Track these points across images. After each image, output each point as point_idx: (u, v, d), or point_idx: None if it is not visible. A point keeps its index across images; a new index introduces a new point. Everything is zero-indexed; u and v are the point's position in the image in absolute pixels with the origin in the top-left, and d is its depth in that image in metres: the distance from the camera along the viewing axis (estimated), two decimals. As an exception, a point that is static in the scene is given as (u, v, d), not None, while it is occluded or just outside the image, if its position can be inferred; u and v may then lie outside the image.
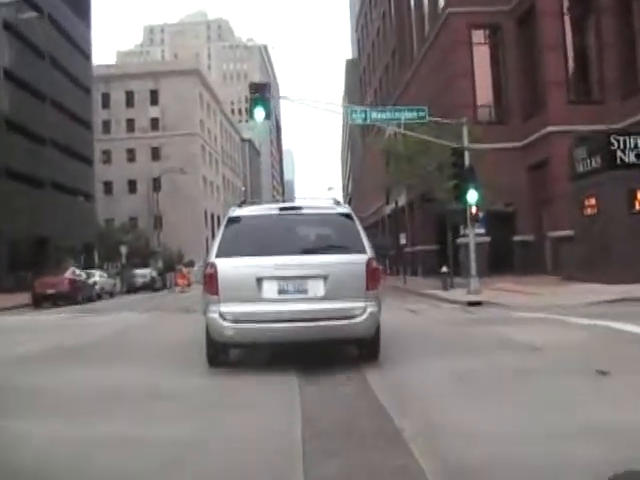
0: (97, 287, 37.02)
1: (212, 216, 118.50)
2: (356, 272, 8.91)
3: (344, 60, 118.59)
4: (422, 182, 30.93)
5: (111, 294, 40.65)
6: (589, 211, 27.02)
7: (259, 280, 8.78)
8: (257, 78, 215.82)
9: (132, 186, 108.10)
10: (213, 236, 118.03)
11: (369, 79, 76.98)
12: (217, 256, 9.07)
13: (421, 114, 25.99)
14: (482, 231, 36.82)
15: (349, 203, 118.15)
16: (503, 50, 39.25)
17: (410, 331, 13.87)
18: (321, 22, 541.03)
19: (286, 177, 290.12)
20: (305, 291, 8.85)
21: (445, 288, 28.02)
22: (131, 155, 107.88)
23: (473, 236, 25.25)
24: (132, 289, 47.45)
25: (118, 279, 51.39)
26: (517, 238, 39.29)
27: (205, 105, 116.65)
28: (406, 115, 26.01)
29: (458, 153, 25.19)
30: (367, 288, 8.89)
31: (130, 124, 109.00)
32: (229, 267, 8.93)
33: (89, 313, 24.67)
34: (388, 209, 66.18)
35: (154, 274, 51.04)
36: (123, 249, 58.40)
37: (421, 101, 43.56)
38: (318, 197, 11.96)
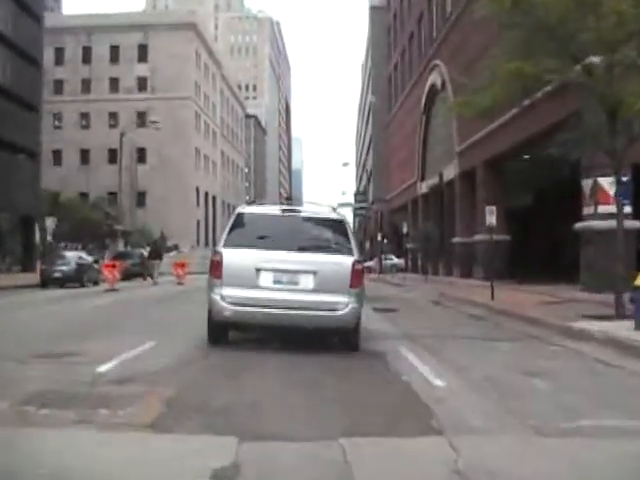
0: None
1: (206, 195, 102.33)
2: (342, 271, 10.15)
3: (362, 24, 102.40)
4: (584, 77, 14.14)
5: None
6: None
7: (258, 270, 10.08)
8: (267, 52, 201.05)
9: (112, 156, 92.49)
10: (206, 218, 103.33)
11: (404, 21, 60.47)
12: (224, 246, 10.40)
13: None
14: (628, 209, 21.08)
15: (368, 182, 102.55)
16: None
17: None
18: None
19: (294, 166, 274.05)
20: (297, 283, 10.12)
21: (621, 315, 11.98)
22: (113, 120, 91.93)
23: None
24: (47, 282, 31.22)
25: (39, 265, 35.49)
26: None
27: (202, 66, 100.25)
28: None
29: None
30: (351, 286, 10.10)
31: (114, 83, 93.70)
32: (233, 256, 10.22)
33: None
34: (424, 186, 49.78)
35: (85, 260, 34.32)
36: (49, 222, 41.65)
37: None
38: (320, 204, 13.93)
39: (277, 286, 10.02)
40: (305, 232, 10.79)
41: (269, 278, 10.03)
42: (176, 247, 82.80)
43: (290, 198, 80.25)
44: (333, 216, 11.30)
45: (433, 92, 45.71)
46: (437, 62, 43.38)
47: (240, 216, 11.00)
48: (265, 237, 10.47)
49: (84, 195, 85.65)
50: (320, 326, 10.22)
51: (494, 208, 21.01)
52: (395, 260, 65.85)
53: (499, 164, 33.97)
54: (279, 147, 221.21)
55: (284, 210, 11.34)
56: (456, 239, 39.53)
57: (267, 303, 9.85)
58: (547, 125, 23.87)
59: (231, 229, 10.71)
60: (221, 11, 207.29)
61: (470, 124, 36.52)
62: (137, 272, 42.59)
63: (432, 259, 45.00)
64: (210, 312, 10.38)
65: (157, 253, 41.31)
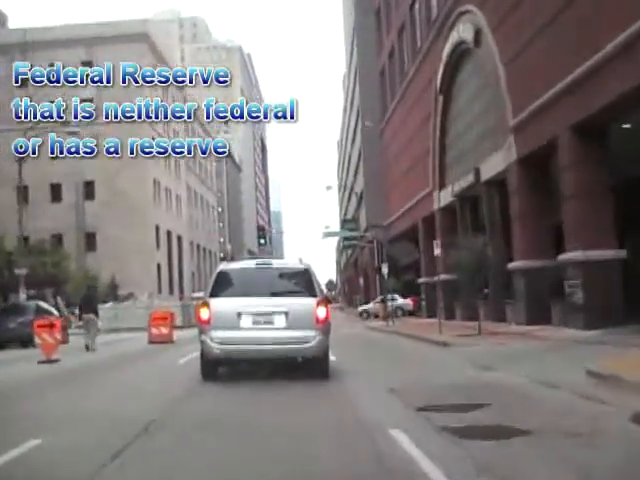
0: None
1: (169, 235, 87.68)
2: (309, 310, 12.20)
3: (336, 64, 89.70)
4: None
5: None
6: None
7: (239, 314, 12.15)
8: (237, 83, 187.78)
9: (56, 192, 79.64)
10: (169, 261, 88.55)
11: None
12: (210, 296, 12.59)
13: None
14: None
15: (358, 206, 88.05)
16: None
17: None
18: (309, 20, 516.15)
19: (273, 208, 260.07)
20: (272, 322, 12.16)
21: None
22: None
23: None
24: None
25: None
26: None
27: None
28: None
29: None
30: (316, 322, 12.15)
31: (54, 108, 78.86)
32: (218, 304, 12.35)
33: None
34: (443, 196, 35.66)
35: None
36: None
37: None
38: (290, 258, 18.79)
39: (256, 326, 12.11)
40: (276, 280, 13.01)
41: (249, 320, 12.13)
42: (131, 295, 69.04)
43: (263, 229, 65.97)
44: (299, 266, 13.35)
45: (458, 53, 31.72)
46: (467, 8, 29.57)
47: (222, 272, 13.22)
48: (244, 286, 12.67)
49: (24, 239, 71.04)
50: (294, 356, 12.56)
51: None
52: (400, 301, 51.44)
53: (603, 128, 19.97)
54: (256, 186, 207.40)
55: (258, 264, 13.44)
56: (516, 264, 25.36)
57: (248, 341, 12.04)
58: None
59: (215, 282, 12.83)
60: (187, 42, 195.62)
61: (540, 70, 22.54)
62: (27, 336, 28.02)
63: (466, 297, 30.67)
64: (202, 352, 12.49)
65: (90, 306, 27.15)
